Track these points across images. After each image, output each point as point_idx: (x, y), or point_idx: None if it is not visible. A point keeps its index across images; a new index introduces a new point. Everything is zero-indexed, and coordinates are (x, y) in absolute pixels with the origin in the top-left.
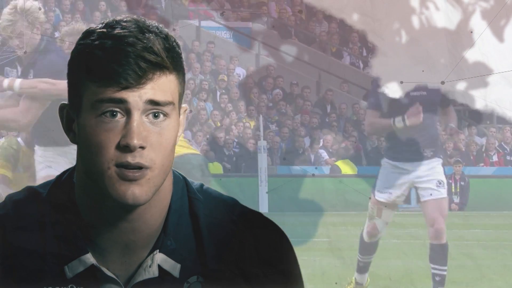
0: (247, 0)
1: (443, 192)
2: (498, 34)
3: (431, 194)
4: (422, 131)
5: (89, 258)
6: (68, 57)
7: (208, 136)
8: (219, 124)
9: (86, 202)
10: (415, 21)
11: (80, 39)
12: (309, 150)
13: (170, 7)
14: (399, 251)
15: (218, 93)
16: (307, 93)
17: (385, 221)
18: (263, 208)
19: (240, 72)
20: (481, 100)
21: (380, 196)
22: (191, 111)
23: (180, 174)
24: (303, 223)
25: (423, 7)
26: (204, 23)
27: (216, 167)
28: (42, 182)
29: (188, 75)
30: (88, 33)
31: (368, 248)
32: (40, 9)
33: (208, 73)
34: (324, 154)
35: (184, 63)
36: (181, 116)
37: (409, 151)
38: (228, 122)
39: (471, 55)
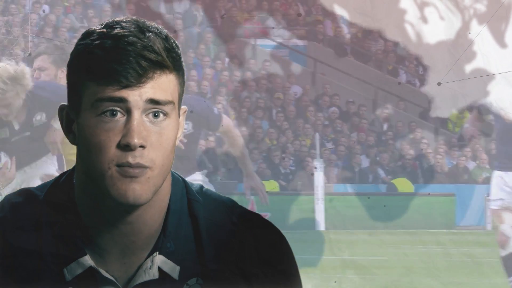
0: (302, 18)
1: None
2: (499, 39)
3: None
4: None
5: (87, 260)
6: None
7: (264, 154)
8: (275, 142)
9: (86, 202)
10: (415, 22)
11: (80, 39)
12: (365, 168)
13: (226, 25)
14: (450, 268)
15: (274, 111)
16: (363, 111)
17: (510, 224)
18: (320, 226)
19: (296, 90)
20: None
21: (494, 204)
22: (189, 111)
23: (179, 175)
24: (360, 241)
25: (421, 11)
26: (260, 41)
27: (272, 185)
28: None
29: (244, 93)
30: (87, 34)
31: (510, 265)
32: (35, 71)
33: (263, 91)
34: (381, 172)
35: (239, 81)
36: (180, 117)
37: None
38: (284, 140)
39: (471, 56)
